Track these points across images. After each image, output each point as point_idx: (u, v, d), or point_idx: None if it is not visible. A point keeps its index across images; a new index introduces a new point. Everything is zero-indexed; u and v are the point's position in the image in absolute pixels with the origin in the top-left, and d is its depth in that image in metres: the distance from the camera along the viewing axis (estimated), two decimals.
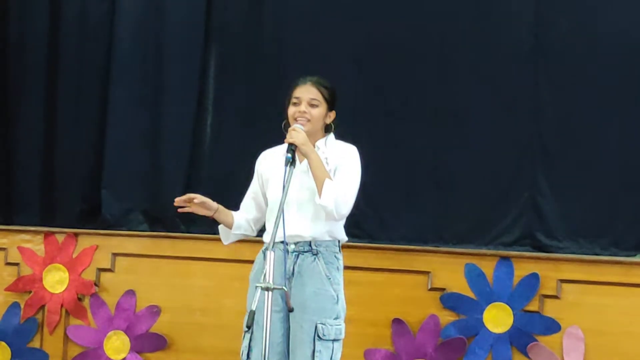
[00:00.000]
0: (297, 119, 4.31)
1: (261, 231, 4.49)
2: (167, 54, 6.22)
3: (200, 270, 5.86)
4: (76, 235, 6.06)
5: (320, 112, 4.33)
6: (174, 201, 5.99)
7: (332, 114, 4.39)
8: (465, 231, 5.71)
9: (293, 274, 4.26)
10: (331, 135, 4.41)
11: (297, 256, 4.27)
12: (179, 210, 4.47)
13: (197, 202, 4.42)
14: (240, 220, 4.50)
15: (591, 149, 5.56)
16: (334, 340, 4.22)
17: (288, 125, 4.32)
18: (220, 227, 4.55)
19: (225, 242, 4.57)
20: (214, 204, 4.44)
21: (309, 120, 4.30)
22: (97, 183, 6.25)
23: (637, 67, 5.51)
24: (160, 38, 6.24)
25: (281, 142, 4.31)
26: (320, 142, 4.35)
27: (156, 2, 6.25)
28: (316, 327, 4.19)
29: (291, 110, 4.34)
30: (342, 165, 4.29)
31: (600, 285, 5.32)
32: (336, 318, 4.26)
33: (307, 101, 4.32)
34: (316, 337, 4.18)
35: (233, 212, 4.52)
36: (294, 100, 4.34)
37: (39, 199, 6.37)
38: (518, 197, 5.66)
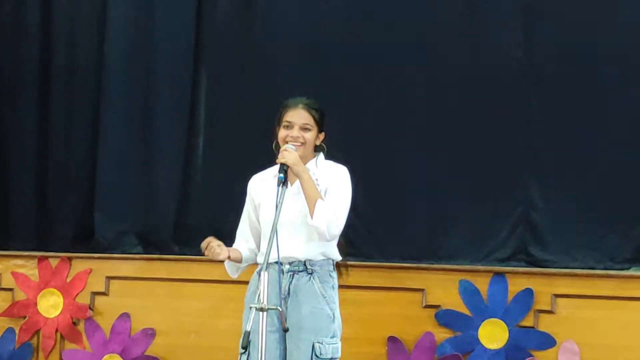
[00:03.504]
0: (290, 142, 4.29)
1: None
2: (158, 76, 6.22)
3: (194, 292, 5.84)
4: (70, 259, 6.05)
5: (312, 136, 4.33)
6: (167, 223, 6.10)
7: (322, 136, 4.38)
8: (459, 247, 5.70)
9: (289, 293, 4.26)
10: (321, 156, 4.40)
11: (292, 276, 4.26)
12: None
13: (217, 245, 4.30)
14: (245, 252, 4.45)
15: (584, 163, 5.57)
16: (331, 359, 4.22)
17: (278, 146, 4.32)
18: (227, 263, 4.46)
19: (234, 276, 4.50)
20: (226, 248, 4.33)
21: (302, 144, 4.31)
22: (90, 206, 6.23)
23: (628, 81, 5.53)
24: (150, 60, 6.24)
25: (273, 162, 4.31)
26: (310, 164, 4.35)
27: (146, 23, 6.25)
28: (313, 346, 4.18)
29: (282, 133, 4.33)
30: (333, 185, 4.29)
31: (594, 299, 5.32)
32: (332, 337, 4.25)
33: (299, 126, 4.31)
34: (313, 356, 4.18)
35: (236, 247, 4.45)
36: (285, 123, 4.33)
37: (32, 224, 6.35)
38: (511, 212, 5.66)
